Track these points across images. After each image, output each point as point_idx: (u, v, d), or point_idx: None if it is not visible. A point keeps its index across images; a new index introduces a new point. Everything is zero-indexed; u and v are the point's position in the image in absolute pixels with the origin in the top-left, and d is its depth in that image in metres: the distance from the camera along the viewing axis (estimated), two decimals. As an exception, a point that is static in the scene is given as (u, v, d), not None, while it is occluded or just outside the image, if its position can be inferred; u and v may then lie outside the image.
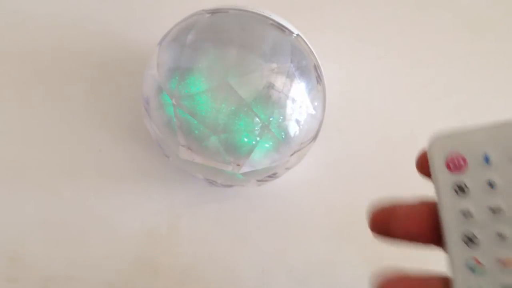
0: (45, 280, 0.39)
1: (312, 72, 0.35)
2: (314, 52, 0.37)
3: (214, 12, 0.36)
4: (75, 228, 0.40)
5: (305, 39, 0.37)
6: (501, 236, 0.20)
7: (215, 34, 0.35)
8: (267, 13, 0.36)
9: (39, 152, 0.42)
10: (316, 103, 0.35)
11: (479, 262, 0.21)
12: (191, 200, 0.41)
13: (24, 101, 0.43)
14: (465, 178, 0.21)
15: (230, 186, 0.39)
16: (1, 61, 0.44)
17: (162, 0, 0.46)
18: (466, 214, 0.21)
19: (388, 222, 0.22)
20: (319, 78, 0.36)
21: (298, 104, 0.34)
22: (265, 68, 0.33)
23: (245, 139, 0.34)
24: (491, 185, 0.20)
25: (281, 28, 0.35)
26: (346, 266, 0.40)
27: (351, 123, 0.43)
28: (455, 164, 0.21)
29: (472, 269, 0.21)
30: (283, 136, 0.34)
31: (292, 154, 0.36)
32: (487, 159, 0.20)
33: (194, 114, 0.33)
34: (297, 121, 0.34)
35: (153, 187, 0.41)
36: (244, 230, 0.41)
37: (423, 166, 0.22)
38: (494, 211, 0.20)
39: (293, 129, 0.34)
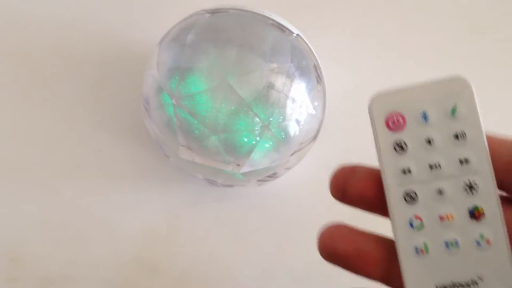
0: (44, 280, 0.39)
1: (312, 72, 0.35)
2: (314, 52, 0.37)
3: (214, 12, 0.36)
4: (75, 228, 0.40)
5: (305, 39, 0.37)
6: (440, 192, 0.21)
7: (215, 34, 0.35)
8: (267, 13, 0.36)
9: (39, 152, 0.42)
10: (316, 103, 0.35)
11: (420, 219, 0.21)
12: (191, 200, 0.41)
13: (24, 101, 0.43)
14: (405, 136, 0.21)
15: (230, 186, 0.39)
16: (1, 61, 0.44)
17: (162, 0, 0.46)
18: (406, 172, 0.21)
19: (346, 185, 0.22)
20: (319, 78, 0.36)
21: (298, 104, 0.34)
22: (265, 68, 0.33)
23: (245, 139, 0.34)
24: (429, 142, 0.21)
25: (281, 28, 0.35)
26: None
27: (351, 123, 0.43)
28: (394, 123, 0.21)
29: (414, 226, 0.21)
30: (283, 136, 0.34)
31: (292, 154, 0.36)
32: (425, 117, 0.21)
33: (194, 114, 0.33)
34: (297, 121, 0.34)
35: (153, 187, 0.41)
36: (244, 230, 0.41)
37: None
38: (433, 167, 0.21)
39: (293, 129, 0.34)
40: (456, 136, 0.21)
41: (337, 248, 0.22)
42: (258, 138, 0.34)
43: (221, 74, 0.33)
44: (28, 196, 0.41)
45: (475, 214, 0.21)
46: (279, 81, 0.33)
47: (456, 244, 0.21)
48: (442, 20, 0.47)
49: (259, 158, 0.34)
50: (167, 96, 0.34)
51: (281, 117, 0.34)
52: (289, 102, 0.34)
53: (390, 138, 0.21)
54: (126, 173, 0.42)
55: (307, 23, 0.40)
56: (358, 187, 0.22)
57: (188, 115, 0.33)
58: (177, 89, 0.34)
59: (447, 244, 0.21)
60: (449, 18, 0.47)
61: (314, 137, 0.37)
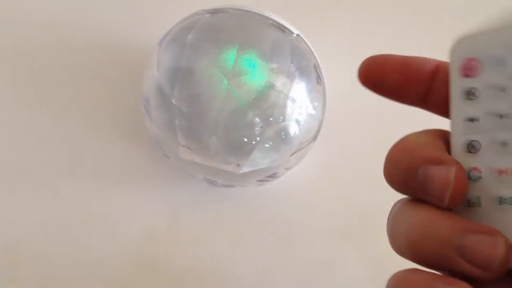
0: (45, 280, 0.39)
1: (312, 72, 0.35)
2: (314, 52, 0.37)
3: (214, 12, 0.36)
4: (75, 228, 0.40)
5: (305, 39, 0.37)
6: (504, 144, 0.19)
7: (215, 34, 0.35)
8: (267, 13, 0.36)
9: (39, 152, 0.42)
10: (316, 103, 0.35)
11: (478, 170, 0.19)
12: (191, 200, 0.41)
13: (23, 101, 0.43)
14: (477, 83, 0.19)
15: (230, 186, 0.39)
16: (1, 61, 0.44)
17: (162, 0, 0.46)
18: (474, 120, 0.19)
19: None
20: (319, 78, 0.36)
21: (298, 104, 0.34)
22: (265, 68, 0.33)
23: (245, 139, 0.34)
24: (503, 90, 0.19)
25: (281, 28, 0.35)
26: (346, 266, 0.40)
27: (351, 123, 0.43)
28: (469, 68, 0.20)
29: (471, 179, 0.19)
30: (283, 136, 0.34)
31: (292, 154, 0.36)
32: (502, 63, 0.19)
33: (194, 114, 0.33)
34: (297, 121, 0.34)
35: (153, 187, 0.41)
36: (244, 230, 0.41)
37: (365, 75, 0.21)
38: (503, 117, 0.19)
39: (293, 129, 0.34)
40: None
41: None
42: (258, 138, 0.34)
43: (221, 74, 0.33)
44: (28, 196, 0.41)
45: None
46: (279, 81, 0.33)
47: (510, 201, 0.19)
48: (442, 20, 0.47)
49: (259, 158, 0.34)
50: (167, 96, 0.34)
51: (281, 117, 0.34)
52: (289, 102, 0.34)
53: (462, 84, 0.20)
54: (126, 173, 0.42)
55: (307, 23, 0.40)
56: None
57: (188, 115, 0.33)
58: (177, 89, 0.34)
59: (500, 201, 0.19)
60: (449, 18, 0.47)
61: (314, 137, 0.37)
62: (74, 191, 0.41)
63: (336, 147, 0.43)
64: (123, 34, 0.44)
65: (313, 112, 0.35)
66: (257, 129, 0.33)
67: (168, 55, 0.35)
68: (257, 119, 0.33)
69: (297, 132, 0.35)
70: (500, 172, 0.19)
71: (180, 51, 0.34)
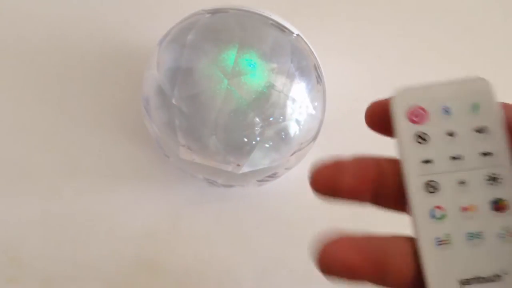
0: (45, 280, 0.39)
1: (312, 72, 0.35)
2: (314, 52, 0.37)
3: (214, 12, 0.36)
4: (75, 228, 0.40)
5: (305, 39, 0.37)
6: (462, 183, 0.20)
7: (215, 34, 0.35)
8: (267, 13, 0.36)
9: (39, 152, 0.42)
10: (316, 103, 0.35)
11: (441, 209, 0.20)
12: (191, 200, 0.41)
13: (23, 101, 0.43)
14: (426, 128, 0.21)
15: (230, 186, 0.39)
16: (1, 61, 0.44)
17: (162, 0, 0.46)
18: (428, 162, 0.21)
19: (334, 180, 0.22)
20: (319, 78, 0.36)
21: (298, 104, 0.34)
22: (265, 68, 0.33)
23: (245, 139, 0.34)
24: (451, 134, 0.21)
25: (281, 28, 0.35)
26: (346, 266, 0.40)
27: (351, 123, 0.43)
28: (416, 115, 0.21)
29: (436, 217, 0.20)
30: (283, 136, 0.34)
31: (292, 154, 0.36)
32: (446, 111, 0.21)
33: (194, 114, 0.33)
34: (297, 121, 0.34)
35: (153, 187, 0.41)
36: (244, 230, 0.41)
37: (372, 118, 0.23)
38: (455, 158, 0.21)
39: (293, 129, 0.34)
40: (478, 130, 0.21)
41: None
42: (258, 138, 0.34)
43: (221, 74, 0.33)
44: (28, 196, 0.41)
45: (498, 206, 0.20)
46: (279, 81, 0.33)
47: (479, 236, 0.20)
48: (442, 20, 0.47)
49: (259, 158, 0.34)
50: (167, 96, 0.34)
51: (281, 117, 0.34)
52: (289, 102, 0.34)
53: (411, 129, 0.21)
54: (126, 173, 0.42)
55: (307, 23, 0.40)
56: (351, 180, 0.22)
57: (188, 115, 0.33)
58: (177, 89, 0.34)
59: (470, 236, 0.20)
60: (449, 18, 0.47)
61: (314, 137, 0.37)
62: (74, 191, 0.41)
63: (336, 147, 0.43)
64: (123, 34, 0.44)
65: (313, 112, 0.35)
66: (257, 129, 0.33)
67: (168, 55, 0.35)
68: (257, 119, 0.33)
69: (297, 132, 0.35)
70: (464, 209, 0.20)
71: (180, 51, 0.34)
